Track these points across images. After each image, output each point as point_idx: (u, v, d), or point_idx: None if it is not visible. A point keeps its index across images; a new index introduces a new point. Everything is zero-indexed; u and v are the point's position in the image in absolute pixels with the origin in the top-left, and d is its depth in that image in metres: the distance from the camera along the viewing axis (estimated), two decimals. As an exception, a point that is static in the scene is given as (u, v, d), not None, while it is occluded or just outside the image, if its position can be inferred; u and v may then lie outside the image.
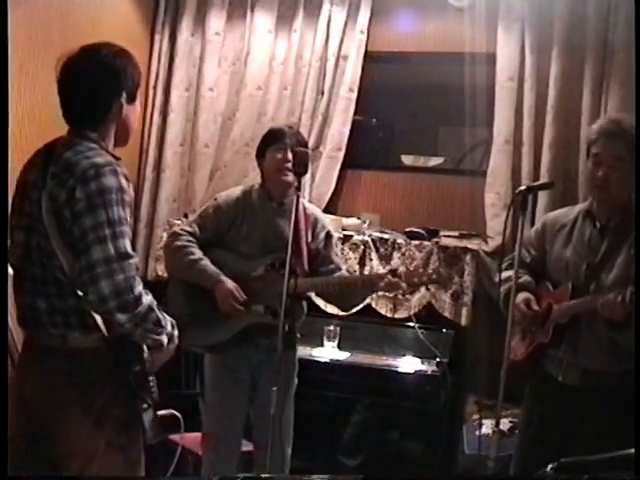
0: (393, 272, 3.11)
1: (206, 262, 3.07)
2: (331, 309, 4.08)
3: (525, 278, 2.82)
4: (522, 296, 2.77)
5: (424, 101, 4.72)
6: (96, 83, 2.14)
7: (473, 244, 4.10)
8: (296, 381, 3.21)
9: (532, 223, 3.65)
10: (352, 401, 4.21)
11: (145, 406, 2.10)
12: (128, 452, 2.14)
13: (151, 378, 2.15)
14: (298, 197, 2.75)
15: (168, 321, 2.14)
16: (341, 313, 4.10)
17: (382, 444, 4.22)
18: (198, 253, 3.08)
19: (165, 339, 2.13)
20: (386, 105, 4.77)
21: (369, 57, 4.48)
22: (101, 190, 2.00)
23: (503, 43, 4.13)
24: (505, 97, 4.11)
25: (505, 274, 2.76)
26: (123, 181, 2.06)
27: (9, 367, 2.65)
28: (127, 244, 2.03)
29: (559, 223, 2.83)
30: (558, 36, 3.99)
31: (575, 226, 2.77)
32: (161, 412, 2.16)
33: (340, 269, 3.26)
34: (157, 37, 4.70)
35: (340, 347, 4.04)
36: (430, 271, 3.30)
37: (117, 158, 2.15)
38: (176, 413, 2.21)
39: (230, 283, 3.04)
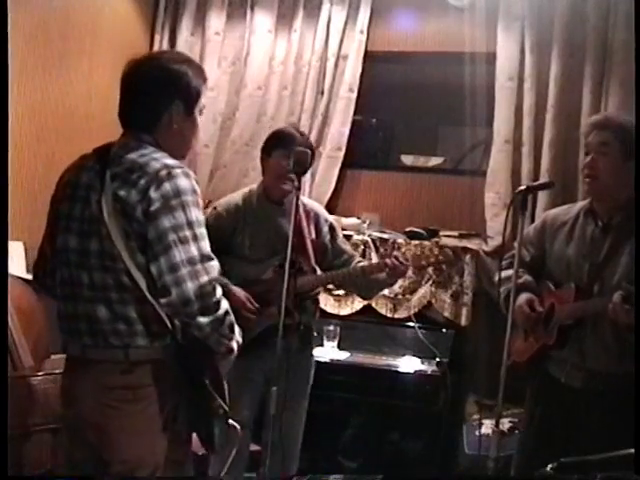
0: (401, 256, 3.12)
1: None
2: (331, 309, 4.08)
3: (525, 278, 2.80)
4: (524, 297, 2.74)
5: (424, 101, 4.72)
6: (149, 85, 2.08)
7: (473, 244, 4.10)
8: (311, 382, 3.21)
9: (532, 223, 3.65)
10: (352, 401, 4.21)
11: (221, 411, 2.06)
12: (182, 466, 2.11)
13: (225, 382, 2.10)
14: (298, 197, 2.75)
15: (237, 328, 2.10)
16: (341, 313, 4.12)
17: (382, 444, 4.21)
18: None
19: (235, 345, 2.09)
20: (386, 105, 4.77)
21: (369, 57, 4.48)
22: (177, 191, 1.96)
23: (503, 43, 4.13)
24: (505, 97, 4.10)
25: (505, 274, 2.74)
26: (195, 184, 2.02)
27: (9, 367, 2.66)
28: (207, 246, 1.99)
29: (559, 221, 2.81)
30: (558, 36, 3.99)
31: (576, 224, 2.75)
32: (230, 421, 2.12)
33: (353, 257, 3.27)
34: (157, 37, 4.69)
35: (340, 347, 4.05)
36: (437, 252, 3.29)
37: None
38: (236, 424, 2.17)
39: (240, 292, 3.02)
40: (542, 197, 3.92)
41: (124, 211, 1.96)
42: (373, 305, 4.10)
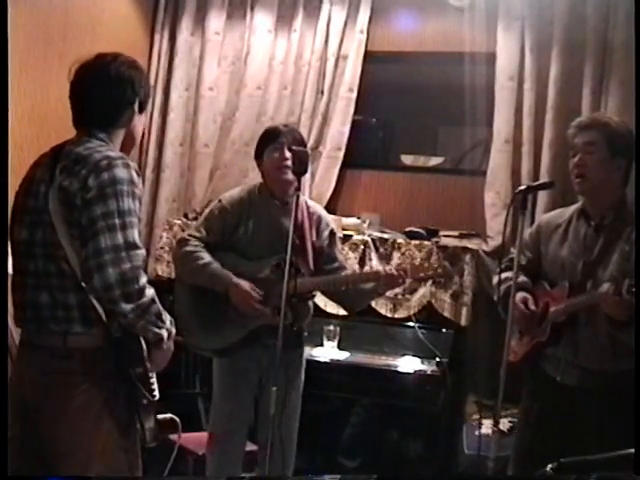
0: (398, 267, 3.12)
1: (217, 265, 3.06)
2: (331, 309, 4.08)
3: (521, 279, 2.83)
4: (520, 296, 2.78)
5: (424, 101, 4.72)
6: (112, 90, 2.18)
7: (473, 244, 4.10)
8: (302, 380, 3.21)
9: (532, 223, 3.64)
10: (352, 401, 4.21)
11: (145, 402, 2.10)
12: (128, 453, 2.14)
13: (151, 375, 2.15)
14: (298, 197, 2.76)
15: (167, 317, 2.15)
16: (341, 313, 4.11)
17: (381, 444, 4.22)
18: (207, 257, 3.07)
19: (165, 333, 2.13)
20: (386, 105, 4.77)
21: (369, 57, 4.48)
22: (113, 180, 2.03)
23: (503, 43, 4.13)
24: (505, 97, 4.11)
25: (502, 276, 2.78)
26: (134, 175, 2.09)
27: (9, 366, 2.66)
28: (136, 235, 2.05)
29: (553, 224, 2.87)
30: (558, 36, 3.99)
31: (570, 226, 2.80)
32: (160, 416, 2.16)
33: (344, 267, 3.27)
34: (157, 37, 4.70)
35: (340, 347, 4.04)
36: (435, 265, 3.30)
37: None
38: (175, 417, 2.21)
39: (245, 283, 3.03)
40: (542, 197, 3.92)
41: (66, 200, 2.05)
42: (373, 305, 4.09)
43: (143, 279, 2.04)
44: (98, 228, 2.00)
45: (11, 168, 2.47)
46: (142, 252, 2.06)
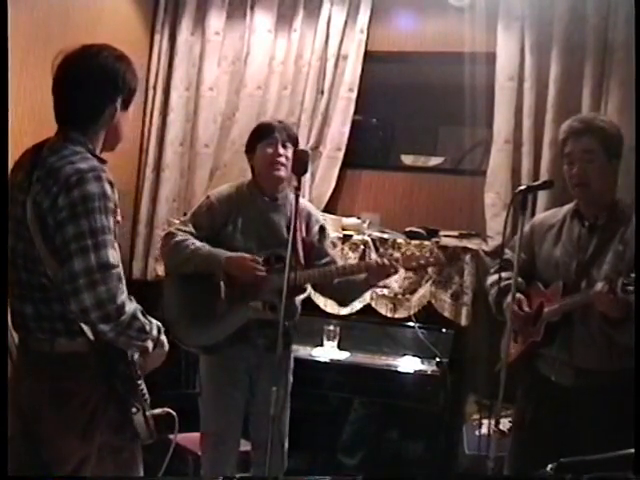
0: (390, 257, 3.11)
1: (208, 247, 3.06)
2: (331, 309, 4.08)
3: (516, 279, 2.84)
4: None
5: (424, 101, 4.72)
6: (93, 84, 2.11)
7: (473, 244, 4.10)
8: (291, 379, 3.21)
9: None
10: (352, 401, 4.21)
11: (134, 410, 2.09)
12: (124, 453, 2.13)
13: (140, 382, 2.14)
14: (298, 197, 2.74)
15: (154, 325, 2.13)
16: (341, 313, 4.11)
17: (381, 444, 4.22)
18: (198, 243, 3.07)
19: (150, 344, 2.12)
20: (386, 105, 4.77)
21: (369, 57, 4.48)
22: (84, 198, 1.98)
23: (503, 43, 4.13)
24: (505, 97, 4.11)
25: (493, 277, 2.81)
26: (107, 187, 2.03)
27: (9, 367, 2.66)
28: (109, 254, 2.00)
29: (547, 224, 2.87)
30: (558, 36, 3.99)
31: (564, 226, 2.80)
32: (155, 411, 2.15)
33: (335, 262, 3.25)
34: (157, 37, 4.70)
35: (340, 347, 4.04)
36: (428, 254, 3.29)
37: (103, 161, 2.12)
38: (171, 411, 2.19)
39: (239, 254, 3.02)
40: (542, 197, 3.92)
41: (40, 217, 2.02)
42: (373, 305, 4.10)
43: (121, 297, 1.99)
44: (71, 250, 1.96)
45: (11, 168, 2.47)
46: (117, 270, 2.01)
